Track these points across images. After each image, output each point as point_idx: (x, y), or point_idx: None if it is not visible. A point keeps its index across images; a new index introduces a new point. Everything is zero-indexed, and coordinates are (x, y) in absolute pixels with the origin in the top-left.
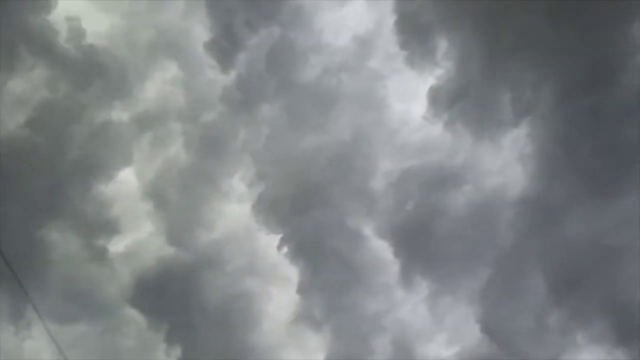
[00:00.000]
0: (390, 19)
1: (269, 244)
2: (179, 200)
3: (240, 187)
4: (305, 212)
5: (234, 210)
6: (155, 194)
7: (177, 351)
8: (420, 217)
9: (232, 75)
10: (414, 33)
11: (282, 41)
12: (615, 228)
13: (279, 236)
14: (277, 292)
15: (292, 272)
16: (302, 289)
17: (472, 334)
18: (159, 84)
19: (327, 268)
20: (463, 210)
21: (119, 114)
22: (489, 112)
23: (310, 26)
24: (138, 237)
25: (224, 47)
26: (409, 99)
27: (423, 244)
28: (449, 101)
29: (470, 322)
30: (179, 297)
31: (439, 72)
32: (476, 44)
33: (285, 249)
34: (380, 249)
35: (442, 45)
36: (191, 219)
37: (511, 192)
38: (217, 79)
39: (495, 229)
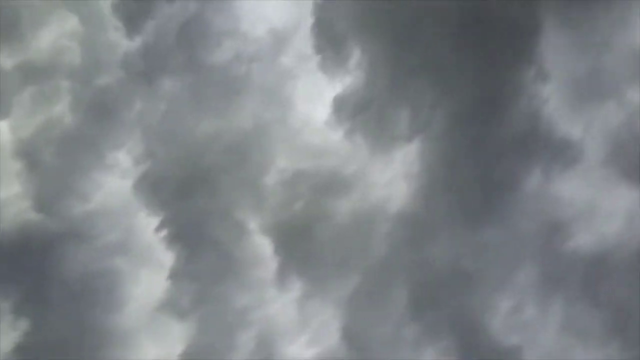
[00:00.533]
0: (309, 20)
1: (147, 225)
2: (55, 163)
3: (125, 161)
4: (191, 198)
5: (115, 185)
6: (29, 153)
7: (25, 324)
8: (306, 218)
9: (137, 41)
10: (329, 39)
11: (197, 18)
12: (475, 254)
13: (159, 218)
14: (147, 275)
15: (166, 257)
16: (173, 276)
17: (333, 338)
18: (55, 35)
19: (204, 257)
20: (346, 218)
21: (3, 60)
22: (387, 126)
23: (229, 10)
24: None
25: (134, 10)
26: (315, 101)
27: (303, 245)
28: (353, 111)
29: (334, 326)
30: (35, 266)
31: (347, 80)
32: (386, 60)
33: (163, 233)
34: (261, 245)
35: (355, 55)
36: (65, 186)
37: (393, 206)
38: (120, 42)
39: (372, 240)
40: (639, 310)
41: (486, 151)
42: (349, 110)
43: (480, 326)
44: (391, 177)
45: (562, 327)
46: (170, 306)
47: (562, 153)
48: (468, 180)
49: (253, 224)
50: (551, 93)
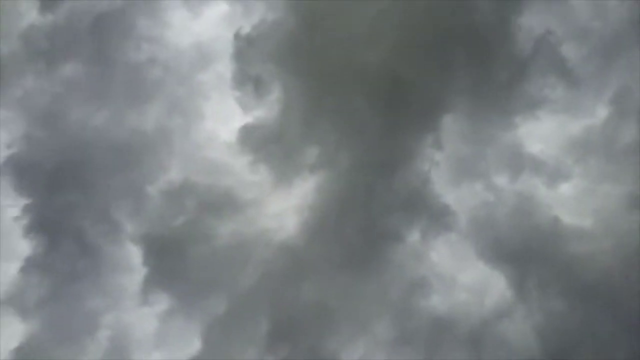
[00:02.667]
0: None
1: (8, 210)
2: None
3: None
4: (63, 190)
5: None
6: None
7: None
8: (184, 234)
9: (48, 19)
10: (249, 69)
11: (119, 13)
12: (343, 296)
13: (22, 205)
14: None
15: (23, 247)
16: (26, 269)
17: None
18: None
19: (64, 252)
20: (227, 241)
21: None
22: (292, 159)
23: (156, 15)
24: None
25: None
26: (223, 123)
27: (176, 260)
28: (260, 139)
29: (192, 347)
30: None
31: (259, 111)
32: (302, 99)
33: (24, 220)
34: (131, 252)
35: (273, 89)
36: None
37: (277, 237)
38: (30, 14)
39: (247, 266)
40: None
41: (378, 201)
42: (256, 138)
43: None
44: (284, 208)
45: None
46: (16, 301)
47: (441, 218)
48: (355, 225)
49: (127, 229)
50: (442, 160)
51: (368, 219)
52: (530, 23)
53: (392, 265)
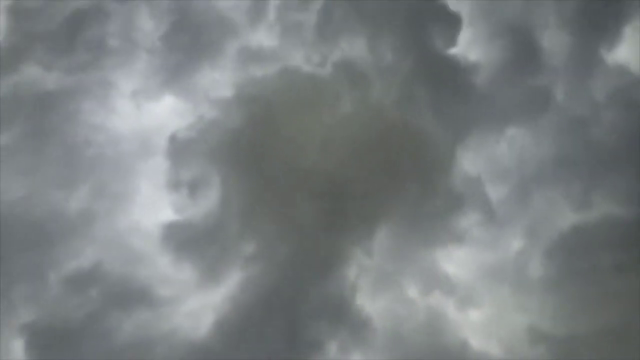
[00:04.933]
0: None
1: None
2: None
3: None
4: None
5: None
6: None
7: None
8: (81, 327)
9: None
10: (184, 173)
11: (67, 92)
12: None
13: None
14: None
15: None
16: None
17: None
18: None
19: None
20: (129, 339)
21: None
22: (227, 255)
23: (104, 100)
24: None
25: None
26: (152, 214)
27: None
28: (187, 240)
29: None
30: None
31: (191, 211)
32: (240, 194)
33: None
34: (12, 344)
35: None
36: None
37: (189, 338)
38: None
39: None
40: None
41: (305, 304)
42: (183, 236)
43: None
44: (203, 305)
45: None
46: None
47: (361, 332)
48: (277, 328)
49: (14, 316)
50: (371, 269)
51: (292, 322)
52: (467, 165)
53: None
